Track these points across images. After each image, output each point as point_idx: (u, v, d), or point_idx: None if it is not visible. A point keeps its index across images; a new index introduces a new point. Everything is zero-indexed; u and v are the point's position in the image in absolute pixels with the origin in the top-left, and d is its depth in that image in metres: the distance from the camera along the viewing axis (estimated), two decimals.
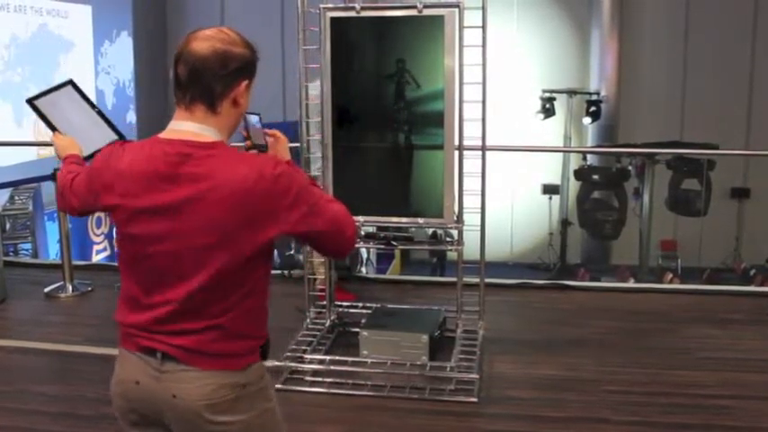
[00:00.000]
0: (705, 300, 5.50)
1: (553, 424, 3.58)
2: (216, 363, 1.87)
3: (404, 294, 5.45)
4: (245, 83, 1.88)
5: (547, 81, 12.90)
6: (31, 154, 10.10)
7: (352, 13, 4.04)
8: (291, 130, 3.79)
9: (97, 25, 11.73)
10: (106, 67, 12.09)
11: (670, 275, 11.31)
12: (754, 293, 5.97)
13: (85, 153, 2.32)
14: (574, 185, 13.06)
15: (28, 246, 8.81)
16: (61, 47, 11.00)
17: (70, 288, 5.47)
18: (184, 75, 1.82)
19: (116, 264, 7.73)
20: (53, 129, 2.40)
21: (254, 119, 2.10)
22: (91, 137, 2.40)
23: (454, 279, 5.27)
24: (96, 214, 11.00)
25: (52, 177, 5.41)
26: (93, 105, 2.54)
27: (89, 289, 5.54)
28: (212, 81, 1.82)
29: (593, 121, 12.54)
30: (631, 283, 8.80)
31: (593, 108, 12.46)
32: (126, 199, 1.86)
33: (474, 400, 3.77)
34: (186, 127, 1.86)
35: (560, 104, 12.82)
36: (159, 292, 1.88)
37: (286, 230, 1.84)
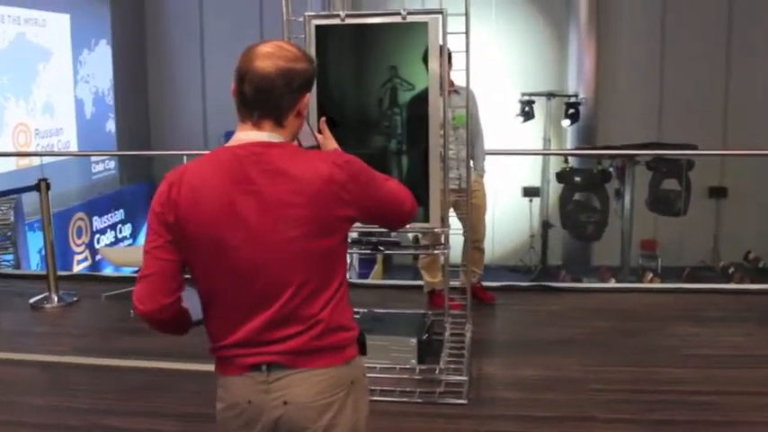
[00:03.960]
0: (687, 298, 5.60)
1: (542, 423, 3.62)
2: (321, 359, 1.89)
3: (387, 299, 5.46)
4: (307, 95, 1.93)
5: (525, 84, 13.01)
6: (10, 164, 10.04)
7: (336, 21, 4.08)
8: None
9: (75, 34, 11.67)
10: (85, 76, 12.04)
11: (650, 275, 11.44)
12: (734, 291, 6.08)
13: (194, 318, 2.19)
14: (554, 188, 13.15)
15: (10, 257, 8.75)
16: (40, 56, 10.94)
17: (56, 299, 5.45)
18: (251, 94, 1.86)
19: (100, 273, 7.72)
20: None
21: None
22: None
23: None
24: (77, 224, 10.97)
25: (36, 188, 5.41)
26: None
27: (74, 299, 5.52)
28: (279, 99, 1.86)
29: (571, 124, 12.65)
30: (614, 284, 8.88)
31: (571, 110, 12.57)
32: (200, 212, 1.84)
33: (464, 401, 3.81)
34: (254, 136, 1.88)
35: (539, 107, 12.92)
36: (254, 302, 1.86)
37: (357, 208, 1.91)
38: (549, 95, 13.01)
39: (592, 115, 12.86)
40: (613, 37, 12.85)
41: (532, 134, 13.08)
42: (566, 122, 12.68)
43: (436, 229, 4.18)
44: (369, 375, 3.90)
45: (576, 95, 12.80)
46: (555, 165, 13.03)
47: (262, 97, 1.85)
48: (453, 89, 4.67)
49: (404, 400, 3.85)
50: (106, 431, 3.66)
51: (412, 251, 4.97)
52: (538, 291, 5.82)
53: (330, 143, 2.14)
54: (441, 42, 4.00)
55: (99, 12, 12.42)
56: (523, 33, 13.23)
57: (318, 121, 2.19)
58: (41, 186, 5.34)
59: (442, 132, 4.15)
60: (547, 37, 13.30)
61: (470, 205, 4.58)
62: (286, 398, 1.87)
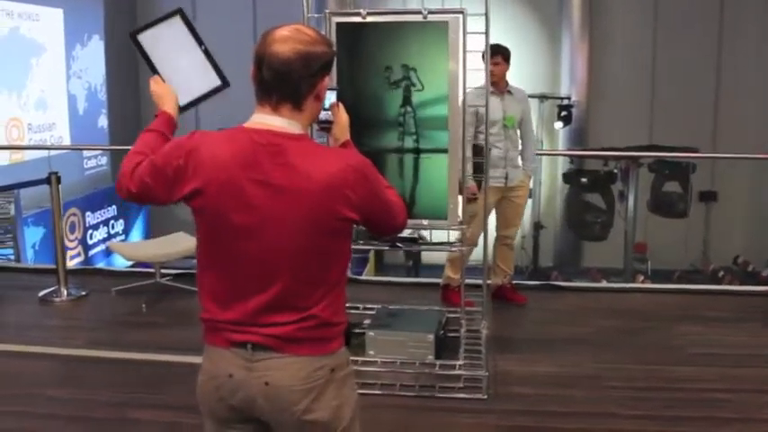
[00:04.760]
0: (687, 299, 5.70)
1: (563, 419, 3.69)
2: (306, 347, 1.91)
3: (393, 296, 5.46)
4: (326, 78, 1.94)
5: (518, 86, 13.00)
6: (3, 158, 9.97)
7: (357, 19, 4.11)
8: None
9: (69, 29, 11.59)
10: (78, 71, 11.95)
11: (641, 277, 11.53)
12: (732, 292, 6.18)
13: (182, 102, 2.22)
14: (546, 189, 13.24)
15: (9, 251, 8.69)
16: (33, 50, 10.85)
17: (65, 292, 5.43)
18: (270, 78, 1.87)
19: (106, 268, 7.67)
20: (154, 71, 2.27)
21: (330, 95, 2.10)
22: (192, 83, 2.27)
23: (437, 280, 5.41)
24: (70, 219, 10.90)
25: (47, 181, 5.39)
26: (200, 42, 2.32)
27: (83, 293, 5.51)
28: (298, 83, 1.87)
29: (564, 126, 12.72)
30: (618, 284, 8.93)
31: (564, 112, 12.63)
32: (211, 188, 1.87)
33: (483, 397, 3.86)
34: (272, 121, 1.89)
35: (532, 109, 12.94)
36: (251, 285, 1.89)
37: (360, 211, 1.91)
38: (542, 97, 13.06)
39: (584, 117, 12.94)
40: (606, 39, 12.94)
41: None
42: (558, 124, 12.74)
43: (453, 228, 4.23)
44: (388, 371, 4.00)
45: (568, 98, 12.85)
46: (547, 166, 13.10)
47: (280, 81, 1.86)
48: (507, 89, 4.80)
49: (424, 394, 3.89)
50: (130, 423, 3.68)
51: (431, 247, 5.03)
52: (542, 289, 5.89)
53: (339, 128, 2.17)
54: (461, 42, 4.05)
55: (92, 7, 12.34)
56: (516, 35, 13.22)
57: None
58: (52, 179, 5.33)
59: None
60: (539, 39, 13.37)
61: (512, 203, 4.79)
62: (267, 379, 1.91)
